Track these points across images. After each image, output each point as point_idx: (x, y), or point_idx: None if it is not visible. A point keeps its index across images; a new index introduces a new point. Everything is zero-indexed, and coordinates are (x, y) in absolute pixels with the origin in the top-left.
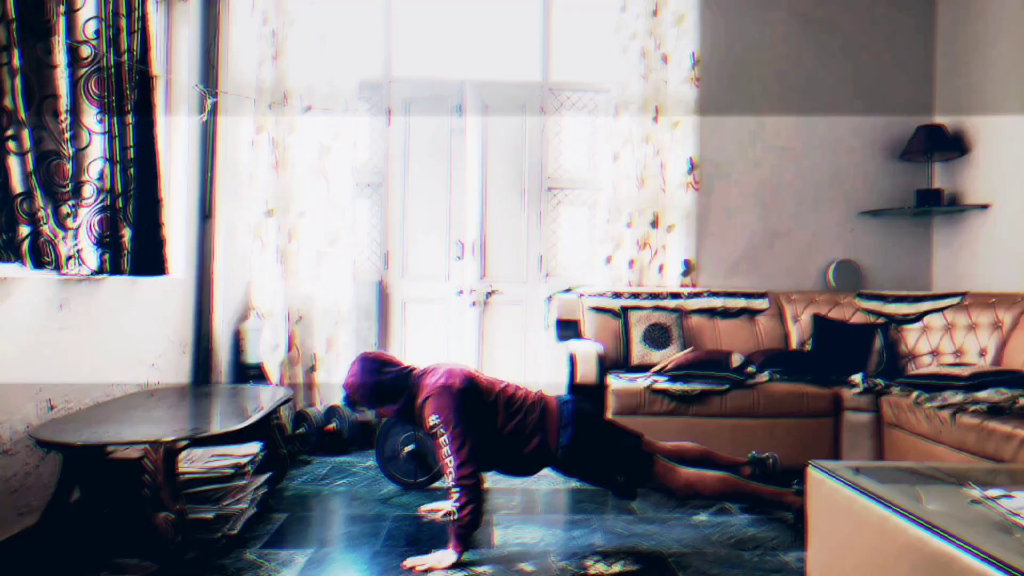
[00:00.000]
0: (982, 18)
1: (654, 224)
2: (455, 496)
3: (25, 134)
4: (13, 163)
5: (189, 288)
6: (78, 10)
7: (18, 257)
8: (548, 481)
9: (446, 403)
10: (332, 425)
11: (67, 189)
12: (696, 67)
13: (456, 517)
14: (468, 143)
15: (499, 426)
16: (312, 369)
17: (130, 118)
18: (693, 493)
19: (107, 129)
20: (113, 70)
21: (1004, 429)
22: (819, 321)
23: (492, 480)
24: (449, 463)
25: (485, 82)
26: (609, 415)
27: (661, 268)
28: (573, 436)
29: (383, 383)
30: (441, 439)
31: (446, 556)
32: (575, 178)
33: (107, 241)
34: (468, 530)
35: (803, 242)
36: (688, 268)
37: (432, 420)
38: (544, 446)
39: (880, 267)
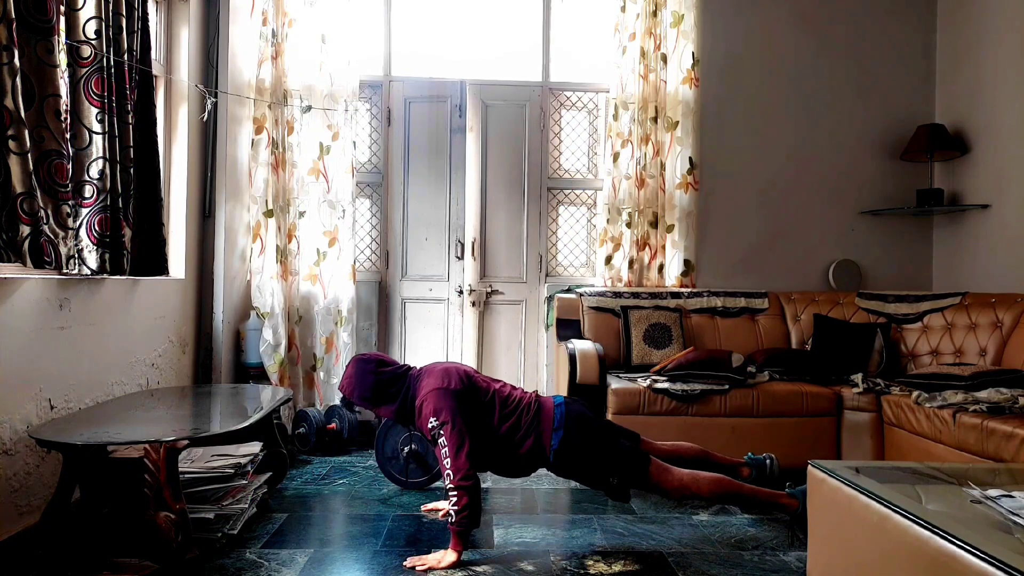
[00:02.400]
0: (982, 18)
1: (654, 224)
2: (453, 497)
3: (25, 134)
4: (13, 163)
5: (189, 288)
6: (78, 10)
7: (18, 257)
8: (548, 481)
9: (444, 404)
10: (332, 425)
11: (67, 189)
12: (695, 67)
13: (454, 518)
14: (468, 143)
15: (495, 425)
16: (312, 369)
17: (130, 118)
18: (688, 494)
19: (107, 129)
20: (113, 70)
21: (1005, 429)
22: (820, 321)
23: (492, 480)
24: (447, 464)
25: (485, 82)
26: (609, 414)
27: (661, 268)
28: (563, 440)
29: (380, 382)
30: (440, 440)
31: (446, 556)
32: (575, 178)
33: (107, 241)
34: (467, 529)
35: (803, 242)
36: (688, 268)
37: (431, 422)
38: (539, 448)
39: (880, 267)
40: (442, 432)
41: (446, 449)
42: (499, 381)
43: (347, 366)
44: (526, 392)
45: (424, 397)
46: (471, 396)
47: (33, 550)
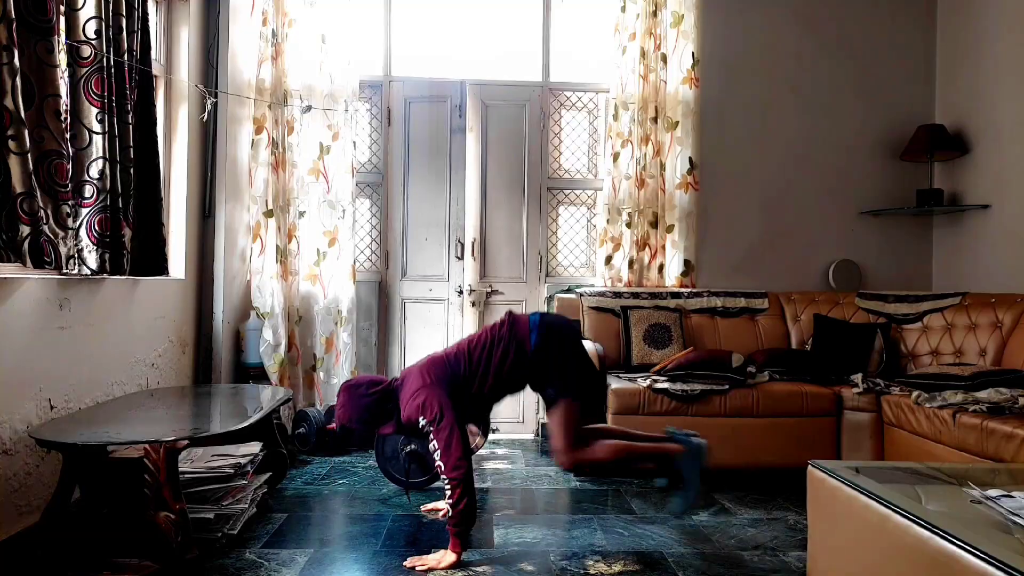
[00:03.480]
0: (982, 18)
1: (654, 224)
2: (449, 493)
3: (25, 134)
4: (13, 163)
5: (189, 288)
6: (78, 10)
7: (18, 257)
8: (548, 481)
9: (427, 400)
10: (332, 425)
11: (67, 189)
12: (695, 67)
13: (451, 513)
14: (468, 143)
15: (478, 381)
16: (312, 369)
17: (130, 118)
18: (588, 460)
19: (107, 129)
20: (113, 70)
21: (1004, 429)
22: (819, 321)
23: (492, 480)
24: (438, 458)
25: (485, 82)
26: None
27: (661, 268)
28: (541, 336)
29: (375, 403)
30: (430, 436)
31: (446, 556)
32: (575, 178)
33: (107, 241)
34: (465, 527)
35: (803, 242)
36: (688, 268)
37: (420, 422)
38: (520, 353)
39: (880, 267)
40: (431, 429)
41: (436, 444)
42: (464, 342)
43: (338, 395)
44: (494, 326)
45: (408, 403)
46: (453, 379)
47: (33, 550)
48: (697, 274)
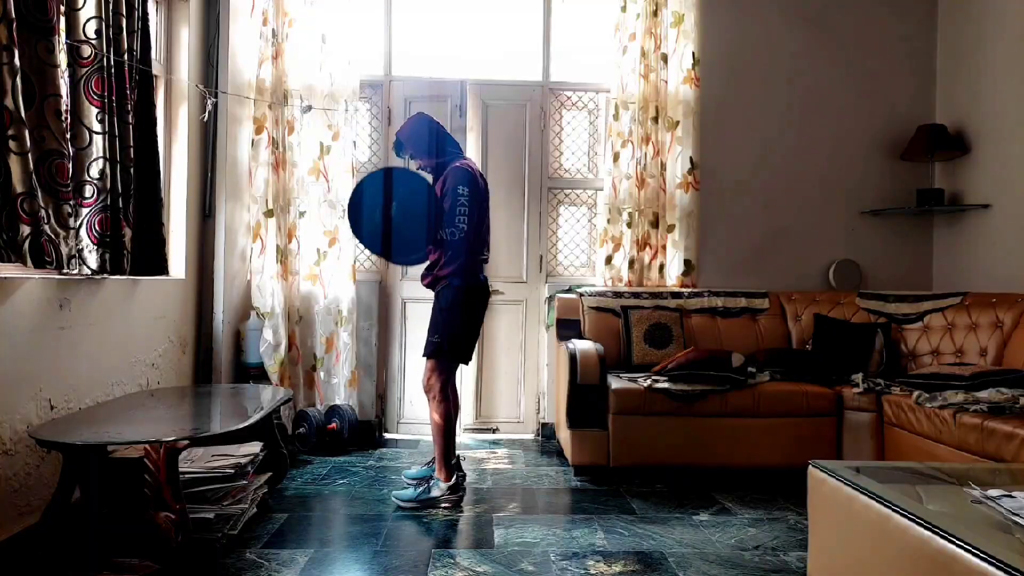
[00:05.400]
0: (982, 18)
1: (654, 224)
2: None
3: (26, 134)
4: (14, 163)
5: (189, 288)
6: (78, 9)
7: (19, 257)
8: (548, 481)
9: (466, 185)
10: (332, 425)
11: (68, 189)
12: (696, 67)
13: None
14: (468, 143)
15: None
16: (312, 369)
17: (130, 118)
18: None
19: (107, 129)
20: (113, 70)
21: (1005, 429)
22: (820, 320)
23: (492, 480)
24: (448, 226)
25: (485, 81)
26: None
27: (661, 268)
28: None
29: (435, 140)
30: (448, 203)
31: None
32: (575, 178)
33: (108, 241)
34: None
35: (804, 241)
36: (688, 268)
37: (460, 189)
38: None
39: (881, 267)
40: (458, 201)
41: (454, 213)
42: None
43: (411, 117)
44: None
45: (457, 167)
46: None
47: (33, 550)
48: (698, 274)
